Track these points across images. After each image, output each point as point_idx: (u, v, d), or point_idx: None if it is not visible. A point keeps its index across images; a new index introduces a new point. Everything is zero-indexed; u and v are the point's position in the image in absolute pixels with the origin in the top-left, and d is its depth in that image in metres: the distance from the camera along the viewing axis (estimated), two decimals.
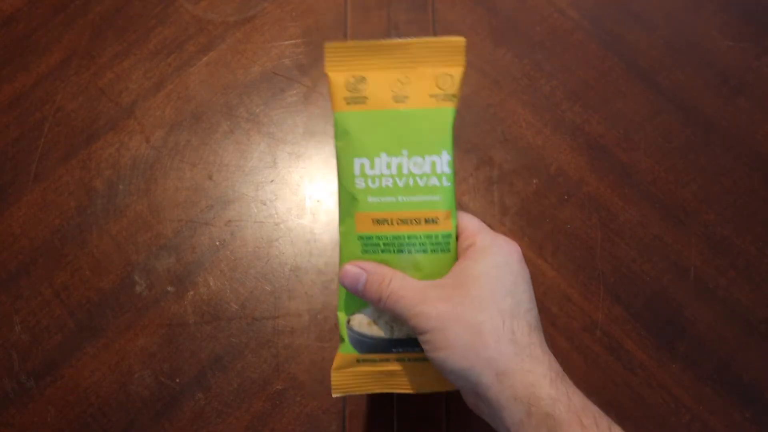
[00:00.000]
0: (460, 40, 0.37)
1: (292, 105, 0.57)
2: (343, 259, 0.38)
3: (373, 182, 0.37)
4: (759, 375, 0.47)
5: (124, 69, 0.59)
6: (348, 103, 0.38)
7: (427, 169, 0.37)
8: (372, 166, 0.37)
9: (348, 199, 0.38)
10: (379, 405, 0.47)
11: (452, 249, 0.37)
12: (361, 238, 0.38)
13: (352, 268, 0.37)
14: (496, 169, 0.54)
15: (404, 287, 0.35)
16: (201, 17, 0.61)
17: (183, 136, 0.56)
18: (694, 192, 0.53)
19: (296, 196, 0.54)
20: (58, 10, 0.62)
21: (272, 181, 0.54)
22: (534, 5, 0.61)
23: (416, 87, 0.37)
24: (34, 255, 0.52)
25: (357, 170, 0.37)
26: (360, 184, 0.37)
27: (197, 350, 0.48)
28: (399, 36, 0.59)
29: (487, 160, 0.54)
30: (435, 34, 0.59)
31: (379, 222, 0.37)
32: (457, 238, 0.38)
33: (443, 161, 0.37)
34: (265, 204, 0.53)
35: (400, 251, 0.37)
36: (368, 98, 0.38)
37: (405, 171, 0.37)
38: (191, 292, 0.50)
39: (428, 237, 0.37)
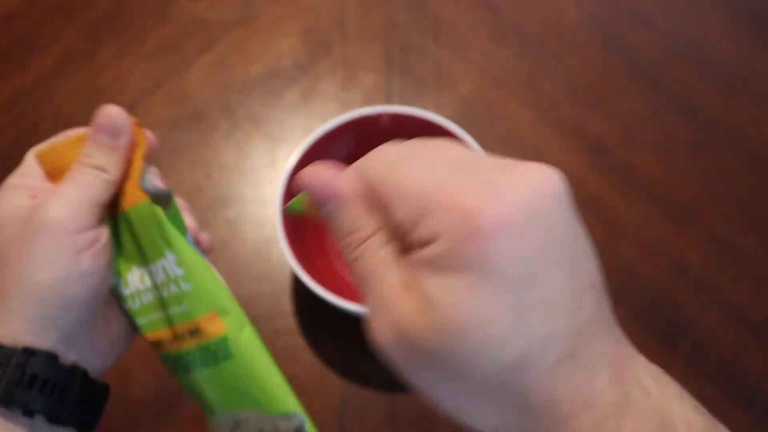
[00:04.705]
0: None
1: (291, 105, 0.57)
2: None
3: (134, 301, 0.32)
4: (761, 375, 0.47)
5: (122, 68, 0.59)
6: None
7: (162, 276, 0.31)
8: (126, 284, 0.32)
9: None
10: (378, 405, 0.46)
11: (235, 353, 0.31)
12: (162, 360, 0.32)
13: (316, 179, 0.23)
14: None
15: (373, 277, 0.22)
16: (200, 16, 0.61)
17: (182, 136, 0.56)
18: (695, 192, 0.53)
19: None
20: (56, 9, 0.61)
21: (272, 181, 0.54)
22: (535, 4, 0.61)
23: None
24: None
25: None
26: (131, 304, 0.32)
27: None
28: (399, 35, 0.59)
29: None
30: (435, 33, 0.59)
31: (156, 345, 0.32)
32: None
33: (170, 263, 0.31)
34: (264, 204, 0.53)
35: (187, 371, 0.31)
36: None
37: (148, 283, 0.31)
38: None
39: (201, 350, 0.31)
